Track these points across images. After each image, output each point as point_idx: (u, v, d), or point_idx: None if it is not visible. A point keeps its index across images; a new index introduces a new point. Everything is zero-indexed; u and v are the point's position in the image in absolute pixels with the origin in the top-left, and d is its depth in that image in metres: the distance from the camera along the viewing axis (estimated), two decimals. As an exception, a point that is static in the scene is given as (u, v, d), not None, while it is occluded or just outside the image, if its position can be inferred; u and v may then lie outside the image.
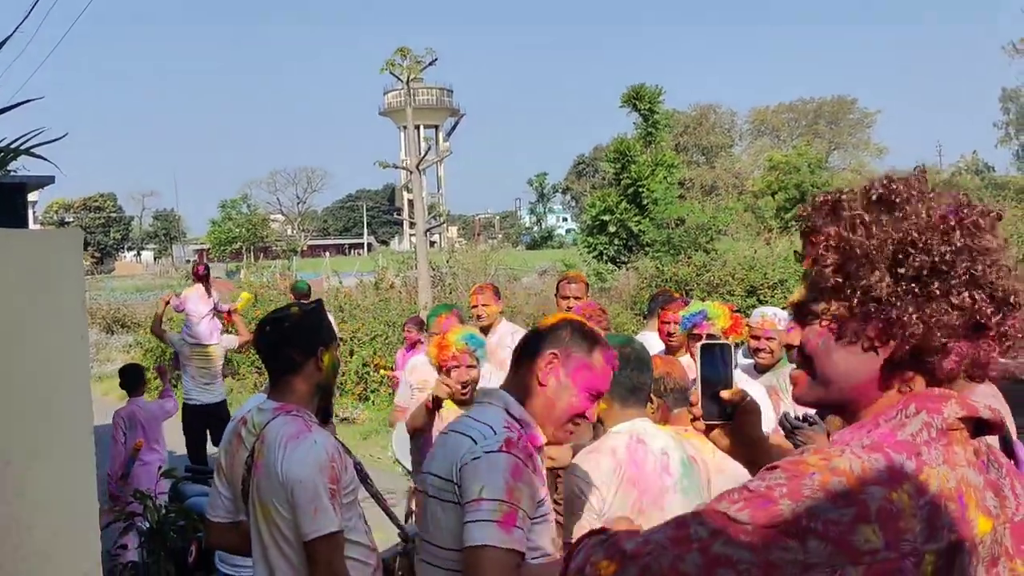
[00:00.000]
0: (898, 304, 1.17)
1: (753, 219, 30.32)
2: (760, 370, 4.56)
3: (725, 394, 1.53)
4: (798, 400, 1.31)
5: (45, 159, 2.66)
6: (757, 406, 1.58)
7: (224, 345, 8.53)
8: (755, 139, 66.70)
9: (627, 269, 21.11)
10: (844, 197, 1.23)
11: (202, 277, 8.51)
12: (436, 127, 61.64)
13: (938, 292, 1.15)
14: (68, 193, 76.35)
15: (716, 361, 1.55)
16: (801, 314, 1.26)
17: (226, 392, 9.04)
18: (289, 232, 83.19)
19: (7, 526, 1.97)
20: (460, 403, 4.19)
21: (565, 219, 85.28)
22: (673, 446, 2.78)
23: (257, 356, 3.88)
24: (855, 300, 1.19)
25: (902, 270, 1.17)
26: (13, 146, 2.47)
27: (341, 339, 12.21)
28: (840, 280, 1.20)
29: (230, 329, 8.84)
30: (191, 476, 5.10)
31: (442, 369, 4.16)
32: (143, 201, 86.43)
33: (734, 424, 1.55)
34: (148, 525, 3.96)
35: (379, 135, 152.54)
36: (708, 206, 28.06)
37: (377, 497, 3.18)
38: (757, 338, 4.55)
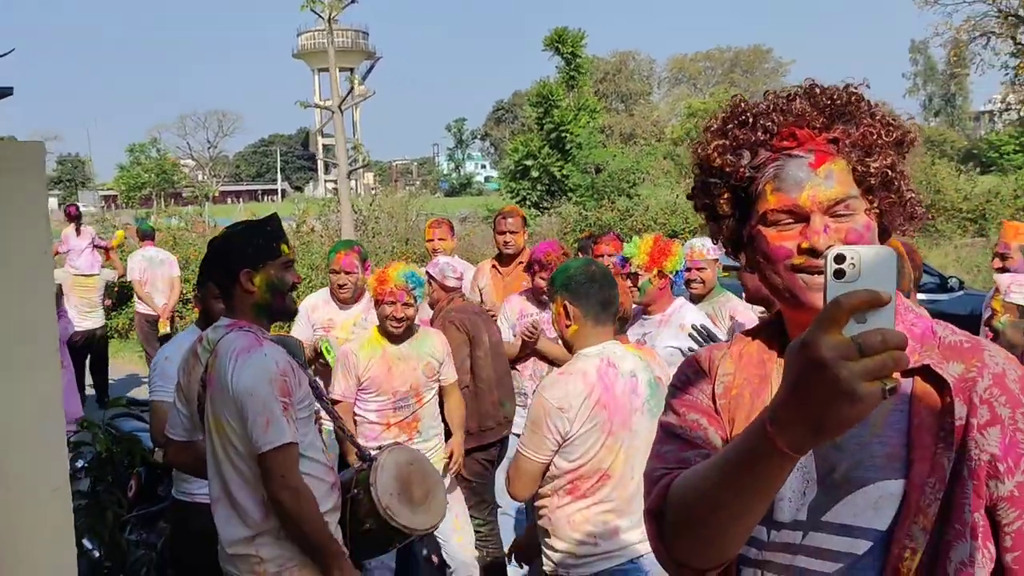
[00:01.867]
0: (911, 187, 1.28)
1: (672, 166, 30.68)
2: (694, 300, 4.69)
3: None
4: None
5: (-15, 77, 2.58)
6: None
7: (103, 277, 9.83)
8: (673, 87, 67.24)
9: (550, 215, 21.19)
10: (859, 99, 1.28)
11: (74, 217, 9.85)
12: (351, 70, 60.08)
13: None
14: (-39, 135, 72.40)
15: None
16: (834, 211, 1.23)
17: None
18: (200, 178, 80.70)
19: (-26, 442, 1.96)
20: (392, 338, 4.21)
21: (484, 166, 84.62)
22: (641, 367, 2.87)
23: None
24: (903, 188, 1.26)
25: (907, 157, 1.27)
26: (-45, 61, 2.39)
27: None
28: (890, 172, 1.24)
29: (106, 264, 10.15)
30: (128, 410, 5.01)
31: (379, 303, 4.17)
32: (46, 145, 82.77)
33: None
34: (96, 453, 3.92)
35: (292, 78, 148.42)
36: (629, 152, 28.27)
37: (332, 415, 3.21)
38: (689, 269, 4.68)
